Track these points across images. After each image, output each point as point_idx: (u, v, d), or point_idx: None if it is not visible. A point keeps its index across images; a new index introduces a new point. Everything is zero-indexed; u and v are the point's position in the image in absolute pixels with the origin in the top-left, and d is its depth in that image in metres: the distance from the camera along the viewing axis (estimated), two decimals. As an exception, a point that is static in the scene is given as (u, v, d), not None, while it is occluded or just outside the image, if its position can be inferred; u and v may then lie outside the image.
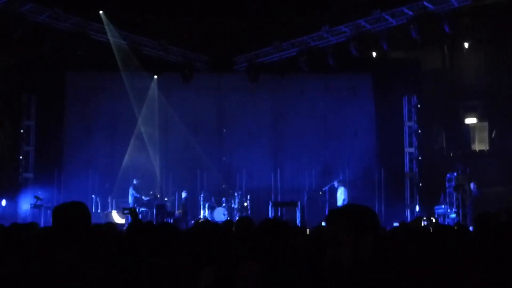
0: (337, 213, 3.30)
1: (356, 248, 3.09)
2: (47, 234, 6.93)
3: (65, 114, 24.20)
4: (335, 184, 22.15)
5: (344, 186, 21.96)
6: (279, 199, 23.32)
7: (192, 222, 18.77)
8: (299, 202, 21.78)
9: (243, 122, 25.03)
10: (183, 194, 22.24)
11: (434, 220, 18.03)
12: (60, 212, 3.85)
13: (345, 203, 21.45)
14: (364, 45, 22.70)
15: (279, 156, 25.01)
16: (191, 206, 22.27)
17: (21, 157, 23.05)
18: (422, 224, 14.40)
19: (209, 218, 20.38)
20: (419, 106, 24.19)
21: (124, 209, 13.24)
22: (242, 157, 24.54)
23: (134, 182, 22.27)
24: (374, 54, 24.04)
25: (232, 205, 22.23)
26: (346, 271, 3.08)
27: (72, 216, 3.78)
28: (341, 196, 21.81)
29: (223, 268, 4.80)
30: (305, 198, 22.55)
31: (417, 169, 24.02)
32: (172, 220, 20.42)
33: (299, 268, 4.93)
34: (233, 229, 7.74)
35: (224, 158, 25.01)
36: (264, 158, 24.73)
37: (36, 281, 3.56)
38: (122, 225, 18.49)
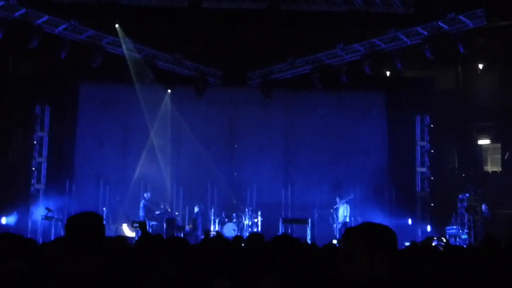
0: (354, 230, 3.30)
1: (370, 266, 3.08)
2: (58, 245, 6.97)
3: (78, 125, 24.28)
4: (337, 200, 22.10)
5: (348, 203, 21.90)
6: (289, 215, 23.30)
7: (202, 236, 18.78)
8: (309, 219, 21.73)
9: (255, 137, 25.03)
10: (196, 209, 22.23)
11: (445, 241, 17.92)
12: (74, 222, 3.84)
13: (346, 220, 21.41)
14: (378, 64, 22.75)
15: (290, 172, 24.99)
16: (202, 221, 22.24)
17: (33, 168, 23.13)
18: (433, 244, 14.34)
19: (219, 234, 20.32)
20: (432, 126, 24.12)
21: (133, 222, 13.24)
22: (253, 172, 24.49)
23: (146, 195, 22.31)
24: (387, 72, 24.07)
25: (243, 221, 22.19)
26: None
27: (86, 226, 3.77)
28: (343, 212, 21.74)
29: (237, 281, 4.82)
30: (316, 215, 22.48)
31: (429, 189, 23.89)
32: (182, 235, 20.42)
33: (311, 284, 4.95)
34: (244, 244, 7.78)
35: (235, 173, 24.98)
36: (275, 174, 24.70)
37: None
38: (132, 238, 18.52)
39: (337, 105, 25.46)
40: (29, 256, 5.61)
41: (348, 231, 3.32)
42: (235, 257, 6.44)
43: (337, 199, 22.17)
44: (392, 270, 3.10)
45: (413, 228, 22.85)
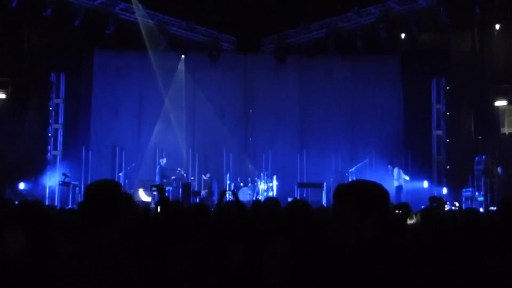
0: (345, 188, 3.18)
1: (361, 227, 2.95)
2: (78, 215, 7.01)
3: (93, 92, 24.32)
4: (389, 167, 22.00)
5: (399, 167, 21.84)
6: (304, 180, 23.33)
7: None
8: (325, 183, 21.77)
9: (270, 103, 25.02)
10: (208, 175, 22.34)
11: (457, 204, 17.88)
12: (93, 191, 3.77)
13: (400, 183, 21.33)
14: (393, 27, 22.49)
15: (305, 137, 24.98)
16: (217, 186, 22.36)
17: (49, 135, 23.28)
18: (446, 208, 14.29)
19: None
20: (448, 88, 23.89)
21: (152, 186, 13.25)
22: (268, 138, 24.57)
23: (161, 161, 22.43)
24: (403, 36, 23.81)
25: (258, 186, 22.31)
26: (349, 250, 3.01)
27: (106, 195, 3.68)
28: (398, 176, 21.62)
29: (251, 246, 4.84)
30: (331, 179, 22.52)
31: (445, 152, 23.76)
32: (198, 200, 20.58)
33: (324, 248, 4.98)
34: (260, 209, 7.81)
35: (250, 139, 25.05)
36: (290, 139, 24.73)
37: (70, 263, 3.48)
38: (148, 203, 18.68)
39: (352, 69, 25.25)
40: (47, 223, 5.65)
41: (339, 190, 3.21)
42: (251, 222, 6.48)
43: (389, 167, 22.05)
44: (382, 231, 3.00)
45: (430, 191, 22.80)
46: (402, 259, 3.02)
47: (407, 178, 21.76)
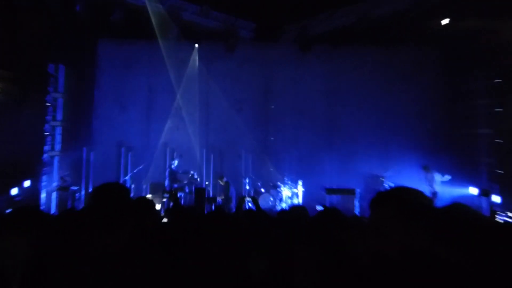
0: (385, 196, 3.11)
1: (405, 238, 2.92)
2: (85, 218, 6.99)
3: (96, 86, 24.40)
4: (424, 171, 21.81)
5: (437, 171, 21.64)
6: (333, 185, 23.20)
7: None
8: (357, 190, 21.63)
9: (293, 98, 24.92)
10: (224, 179, 22.36)
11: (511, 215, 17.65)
12: (99, 194, 3.82)
13: (434, 190, 21.15)
14: (432, 14, 22.30)
15: (333, 136, 24.84)
16: (235, 192, 22.35)
17: (46, 133, 23.32)
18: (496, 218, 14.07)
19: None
20: (495, 81, 23.63)
21: (164, 192, 13.13)
22: (291, 137, 24.49)
23: (172, 163, 22.46)
24: (443, 23, 23.62)
25: (281, 191, 22.21)
26: (392, 264, 2.93)
27: (113, 199, 3.75)
28: (433, 182, 21.45)
29: (276, 258, 4.81)
30: (364, 185, 22.38)
31: (495, 154, 23.41)
32: (213, 207, 20.56)
33: (356, 259, 4.91)
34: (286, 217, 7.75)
35: (272, 138, 25.01)
36: (316, 139, 24.60)
37: (79, 268, 3.53)
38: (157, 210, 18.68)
39: (384, 60, 25.04)
40: (48, 230, 5.63)
41: (378, 197, 3.14)
42: (275, 232, 6.42)
43: (423, 171, 21.85)
44: (426, 241, 2.93)
45: (478, 200, 22.30)
46: (451, 272, 2.94)
47: (448, 178, 21.53)
